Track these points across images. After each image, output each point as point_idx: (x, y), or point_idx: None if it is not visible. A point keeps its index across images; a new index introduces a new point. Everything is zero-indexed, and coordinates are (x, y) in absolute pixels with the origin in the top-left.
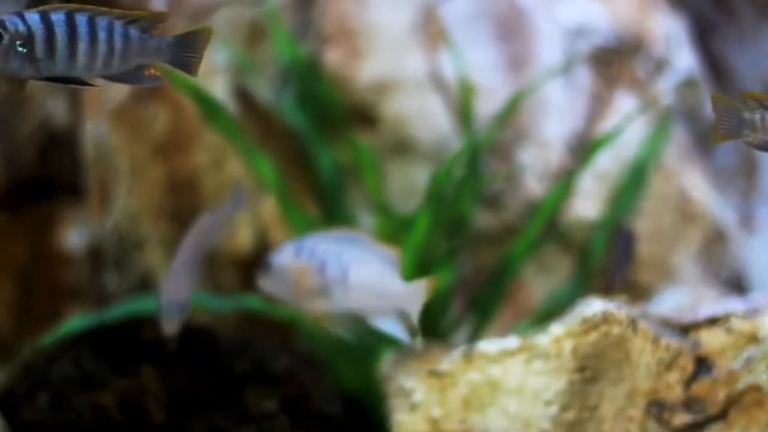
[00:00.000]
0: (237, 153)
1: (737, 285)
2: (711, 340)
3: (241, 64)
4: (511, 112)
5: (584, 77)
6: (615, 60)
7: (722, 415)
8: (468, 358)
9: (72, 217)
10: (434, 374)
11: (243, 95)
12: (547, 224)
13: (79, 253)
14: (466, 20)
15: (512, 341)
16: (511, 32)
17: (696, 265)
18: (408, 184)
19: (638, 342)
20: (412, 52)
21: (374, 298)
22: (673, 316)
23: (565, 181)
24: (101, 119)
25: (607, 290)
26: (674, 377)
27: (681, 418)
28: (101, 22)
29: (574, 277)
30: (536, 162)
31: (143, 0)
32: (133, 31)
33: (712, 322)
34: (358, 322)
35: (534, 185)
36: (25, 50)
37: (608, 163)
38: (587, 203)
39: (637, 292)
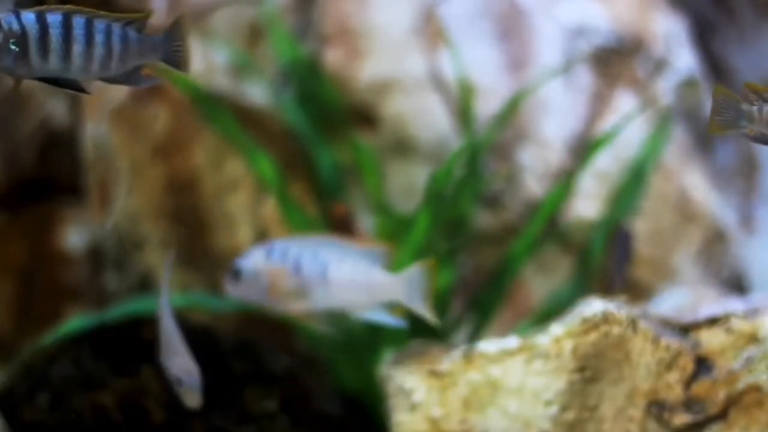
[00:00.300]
0: (237, 153)
1: (737, 285)
2: (711, 340)
3: (241, 64)
4: (511, 112)
5: (584, 77)
6: (615, 60)
7: (722, 415)
8: (468, 358)
9: (72, 217)
10: (434, 374)
11: (243, 95)
12: (547, 224)
13: (79, 253)
14: (466, 20)
15: (512, 341)
16: (511, 32)
17: (696, 265)
18: (408, 184)
19: (638, 342)
20: (412, 52)
21: (358, 293)
22: (673, 316)
23: (565, 181)
24: (101, 119)
25: (607, 290)
26: (674, 377)
27: (681, 418)
28: (99, 25)
29: (574, 277)
30: (536, 162)
31: (143, 0)
32: (131, 33)
33: (712, 322)
34: (342, 317)
35: (534, 185)
36: (18, 49)
37: (608, 163)
38: (587, 203)
39: (637, 292)
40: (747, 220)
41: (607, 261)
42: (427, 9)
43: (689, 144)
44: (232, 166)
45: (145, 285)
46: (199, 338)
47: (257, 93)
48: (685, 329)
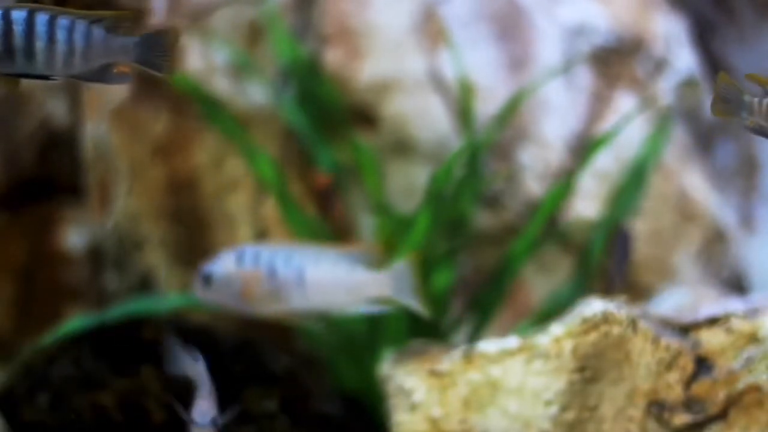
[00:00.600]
0: (237, 153)
1: (737, 285)
2: (711, 340)
3: (241, 64)
4: (511, 112)
5: (584, 77)
6: (615, 60)
7: (722, 415)
8: (468, 358)
9: (72, 217)
10: (434, 374)
11: (243, 95)
12: (547, 224)
13: (79, 253)
14: (466, 20)
15: (512, 341)
16: (511, 32)
17: (696, 265)
18: (408, 184)
19: (638, 342)
20: (412, 52)
21: (340, 293)
22: (673, 316)
23: (564, 181)
24: (101, 119)
25: (607, 290)
26: (674, 377)
27: (681, 418)
28: (62, 22)
29: (574, 277)
30: (536, 162)
31: (143, 0)
32: (97, 31)
33: (712, 322)
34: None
35: (534, 185)
36: None
37: (608, 163)
38: (587, 203)
39: (637, 292)
40: (747, 220)
41: (607, 261)
42: (427, 9)
43: (689, 144)
44: (232, 166)
45: (145, 285)
46: (199, 338)
47: (257, 93)
48: (685, 329)
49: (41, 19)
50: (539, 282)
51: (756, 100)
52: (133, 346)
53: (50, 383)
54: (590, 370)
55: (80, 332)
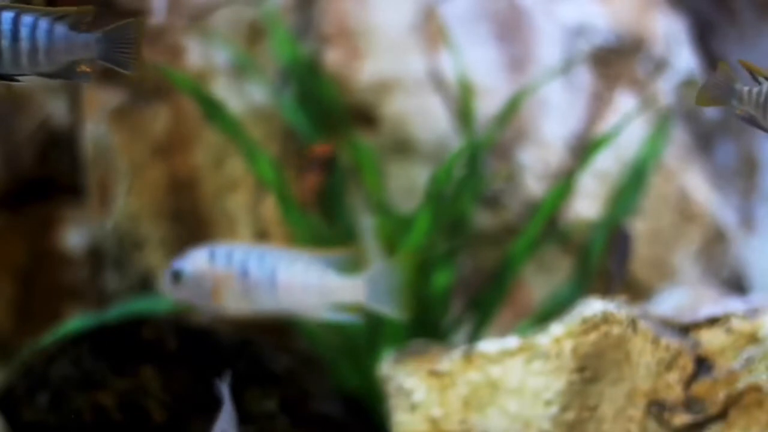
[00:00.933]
0: (237, 153)
1: (737, 285)
2: (711, 340)
3: (241, 64)
4: (511, 112)
5: (584, 77)
6: (615, 60)
7: (722, 415)
8: (468, 358)
9: (72, 217)
10: (434, 374)
11: (243, 95)
12: (547, 224)
13: (79, 253)
14: (466, 20)
15: (512, 341)
16: (511, 32)
17: (696, 265)
18: (408, 184)
19: (638, 342)
20: (412, 52)
21: (310, 296)
22: (673, 316)
23: (564, 181)
24: (101, 119)
25: (607, 290)
26: (674, 377)
27: (681, 418)
28: (26, 19)
29: (574, 277)
30: (536, 162)
31: (143, 0)
32: (60, 28)
33: (712, 322)
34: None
35: (534, 185)
36: None
37: (608, 163)
38: (587, 203)
39: (637, 292)
40: (747, 220)
41: (607, 261)
42: (427, 9)
43: (689, 144)
44: (232, 166)
45: (145, 285)
46: (199, 338)
47: (257, 93)
48: (685, 329)
49: (6, 17)
50: (539, 282)
51: (746, 88)
52: (133, 346)
53: (50, 383)
54: (590, 370)
55: (80, 332)
